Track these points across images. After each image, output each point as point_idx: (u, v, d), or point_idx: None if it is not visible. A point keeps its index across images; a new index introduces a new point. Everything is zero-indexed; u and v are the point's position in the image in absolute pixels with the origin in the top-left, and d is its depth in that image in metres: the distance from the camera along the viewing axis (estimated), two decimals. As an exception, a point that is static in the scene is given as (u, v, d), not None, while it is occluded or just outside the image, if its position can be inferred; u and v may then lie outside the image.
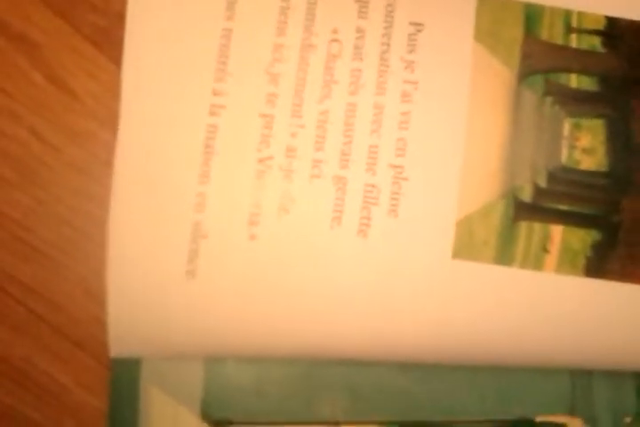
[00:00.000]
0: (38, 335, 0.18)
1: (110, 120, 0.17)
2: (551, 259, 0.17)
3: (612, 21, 0.18)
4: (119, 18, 0.17)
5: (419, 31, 0.17)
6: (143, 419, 0.19)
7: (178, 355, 0.18)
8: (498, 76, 0.17)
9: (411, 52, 0.17)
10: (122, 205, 0.16)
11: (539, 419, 0.21)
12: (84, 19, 0.17)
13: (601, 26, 0.18)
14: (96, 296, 0.18)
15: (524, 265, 0.17)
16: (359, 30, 0.17)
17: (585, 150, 0.17)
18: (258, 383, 0.19)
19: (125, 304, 0.17)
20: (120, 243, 0.17)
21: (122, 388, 0.19)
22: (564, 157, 0.17)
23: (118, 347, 0.17)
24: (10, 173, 0.17)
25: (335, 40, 0.17)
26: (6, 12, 0.17)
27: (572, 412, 0.21)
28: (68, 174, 0.17)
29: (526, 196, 0.17)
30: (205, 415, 0.19)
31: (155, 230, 0.17)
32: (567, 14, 0.18)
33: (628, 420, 0.21)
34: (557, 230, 0.17)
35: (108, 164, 0.17)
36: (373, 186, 0.17)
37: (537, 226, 0.17)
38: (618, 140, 0.17)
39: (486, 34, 0.17)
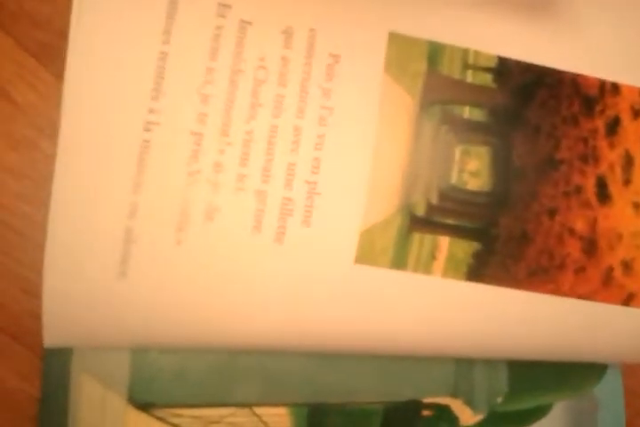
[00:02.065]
0: None
1: (50, 130, 0.18)
2: (438, 265, 0.20)
3: (502, 60, 0.20)
4: (60, 34, 0.18)
5: (336, 62, 0.19)
6: (73, 404, 0.20)
7: (107, 345, 0.19)
8: (403, 105, 0.19)
9: (328, 80, 0.19)
10: (61, 210, 0.17)
11: (426, 400, 0.23)
12: (26, 34, 0.18)
13: (493, 64, 0.20)
14: (32, 293, 0.19)
15: (415, 270, 0.19)
16: (284, 59, 0.19)
17: (472, 173, 0.20)
18: (180, 371, 0.21)
19: (60, 300, 0.18)
20: (57, 244, 0.18)
21: (54, 376, 0.20)
22: (453, 178, 0.20)
23: (52, 338, 0.18)
24: (-50, 175, 0.18)
25: (262, 67, 0.18)
26: None
27: (454, 394, 0.24)
28: (8, 179, 0.18)
29: (420, 211, 0.19)
30: (131, 399, 0.21)
31: (90, 234, 0.18)
32: (465, 52, 0.20)
33: (499, 400, 0.24)
34: (445, 241, 0.20)
35: (47, 170, 0.18)
36: (290, 199, 0.19)
37: (428, 237, 0.20)
38: (500, 164, 0.20)
39: (394, 67, 0.19)
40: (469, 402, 0.24)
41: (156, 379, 0.21)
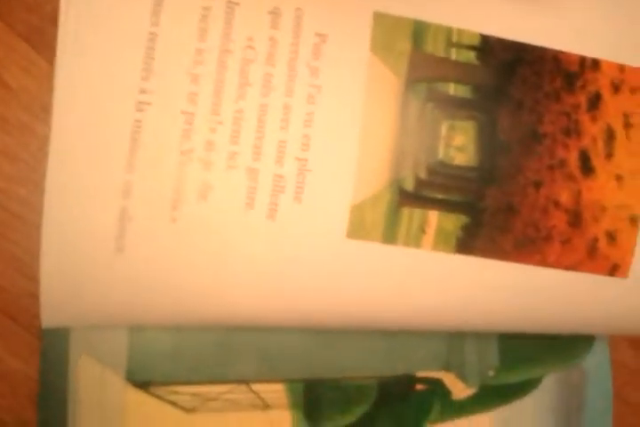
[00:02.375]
0: None
1: (44, 114, 0.18)
2: (428, 238, 0.20)
3: (485, 38, 0.20)
4: (51, 18, 0.18)
5: (323, 42, 0.19)
6: (72, 383, 0.20)
7: (104, 324, 0.20)
8: (388, 84, 0.20)
9: (315, 59, 0.19)
10: (55, 191, 0.18)
11: (419, 375, 0.24)
12: (17, 18, 0.18)
13: (476, 42, 0.20)
14: (28, 274, 0.19)
15: (406, 244, 0.20)
16: (271, 39, 0.19)
17: (458, 148, 0.20)
18: (177, 349, 0.21)
19: (57, 279, 0.18)
20: (53, 224, 0.18)
21: (52, 355, 0.20)
22: (441, 153, 0.20)
23: (49, 318, 0.18)
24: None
25: (250, 47, 0.19)
26: None
27: (447, 368, 0.24)
28: (2, 163, 0.18)
29: (409, 186, 0.20)
30: (130, 378, 0.21)
31: (86, 213, 0.18)
32: (448, 31, 0.20)
33: (491, 373, 0.25)
34: (434, 215, 0.20)
35: (42, 153, 0.18)
36: (281, 176, 0.19)
37: (417, 211, 0.20)
38: (485, 139, 0.20)
39: (380, 46, 0.20)
40: (461, 376, 0.24)
41: (153, 357, 0.21)
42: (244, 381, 0.22)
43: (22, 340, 0.20)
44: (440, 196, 0.20)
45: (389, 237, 0.20)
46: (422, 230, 0.20)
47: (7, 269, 0.19)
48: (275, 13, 0.19)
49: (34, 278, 0.19)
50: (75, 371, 0.21)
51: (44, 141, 0.18)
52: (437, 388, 0.24)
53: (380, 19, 0.20)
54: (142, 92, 0.18)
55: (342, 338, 0.23)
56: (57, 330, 0.20)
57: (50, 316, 0.19)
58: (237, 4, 0.19)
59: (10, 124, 0.18)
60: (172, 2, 0.18)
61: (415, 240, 0.20)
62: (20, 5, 0.18)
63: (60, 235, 0.18)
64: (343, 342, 0.23)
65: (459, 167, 0.20)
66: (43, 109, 0.18)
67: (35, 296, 0.19)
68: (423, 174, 0.20)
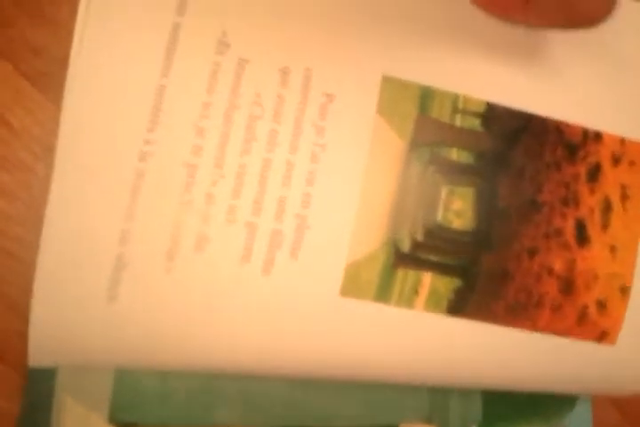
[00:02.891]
0: None
1: (45, 154, 0.18)
2: (420, 300, 0.20)
3: (491, 106, 0.21)
4: (58, 61, 0.18)
5: (330, 101, 0.19)
6: (56, 422, 0.20)
7: (92, 365, 0.20)
8: (393, 145, 0.20)
9: (322, 119, 0.19)
10: (53, 233, 0.18)
11: (402, 426, 0.24)
12: (23, 59, 0.18)
13: (482, 109, 0.21)
14: (19, 312, 0.19)
15: (398, 304, 0.20)
16: (279, 96, 0.19)
17: (456, 213, 0.20)
18: (162, 392, 0.21)
19: (48, 321, 0.18)
20: (48, 266, 0.18)
21: (37, 394, 0.20)
22: (439, 216, 0.20)
23: (37, 358, 0.18)
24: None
25: (257, 103, 0.19)
26: None
27: (429, 420, 0.24)
28: (0, 201, 0.18)
29: (405, 247, 0.20)
30: (113, 419, 0.21)
31: (82, 257, 0.18)
32: (455, 97, 0.20)
33: None
34: (427, 277, 0.20)
35: (41, 193, 0.18)
36: (279, 232, 0.19)
37: (411, 272, 0.20)
38: (484, 205, 0.20)
39: (387, 108, 0.20)
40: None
41: (138, 400, 0.21)
42: (229, 426, 0.22)
43: (7, 378, 0.19)
44: (435, 258, 0.20)
45: (382, 296, 0.20)
46: (415, 291, 0.20)
47: None
48: (284, 72, 0.19)
49: (24, 317, 0.19)
50: (59, 411, 0.20)
51: (44, 182, 0.18)
52: (419, 441, 0.24)
53: (388, 82, 0.20)
54: (147, 142, 0.18)
55: (328, 388, 0.23)
56: (43, 369, 0.20)
57: (38, 356, 0.18)
58: (248, 61, 0.19)
59: (10, 164, 0.18)
60: (184, 55, 0.18)
61: (408, 301, 0.20)
62: (26, 47, 0.18)
63: (54, 276, 0.18)
64: (329, 391, 0.23)
65: (456, 231, 0.20)
66: (44, 151, 0.18)
67: (23, 335, 0.19)
68: (420, 236, 0.20)
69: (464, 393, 0.25)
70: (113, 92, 0.18)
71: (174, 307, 0.18)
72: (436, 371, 0.21)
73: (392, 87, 0.20)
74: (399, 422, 0.24)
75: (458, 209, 0.20)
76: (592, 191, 0.21)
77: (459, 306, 0.20)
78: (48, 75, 0.18)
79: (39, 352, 0.18)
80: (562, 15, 0.17)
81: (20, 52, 0.18)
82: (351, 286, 0.19)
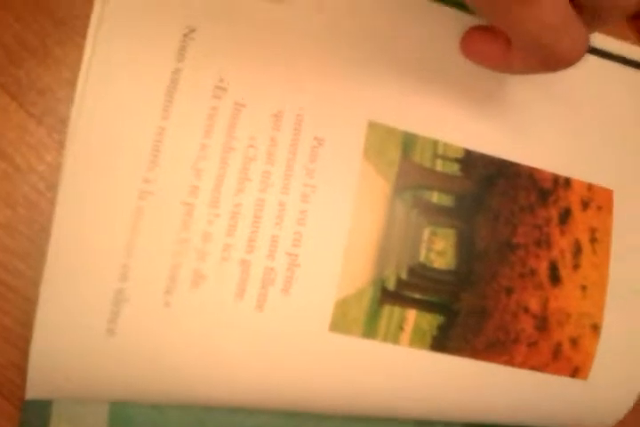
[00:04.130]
0: None
1: (49, 191, 0.19)
2: (405, 336, 0.21)
3: (468, 153, 0.22)
4: (63, 101, 0.19)
5: (320, 145, 0.20)
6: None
7: (88, 398, 0.19)
8: (378, 189, 0.21)
9: (312, 161, 0.20)
10: (55, 269, 0.18)
11: None
12: (30, 99, 0.19)
13: (460, 155, 0.22)
14: (15, 344, 0.19)
15: (385, 339, 0.20)
16: (272, 139, 0.20)
17: (438, 252, 0.21)
18: (156, 424, 0.21)
19: (47, 354, 0.18)
20: (49, 302, 0.18)
21: (32, 425, 0.19)
22: (422, 256, 0.21)
23: (34, 390, 0.18)
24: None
25: (252, 146, 0.20)
26: None
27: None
28: (3, 236, 0.18)
29: (391, 285, 0.20)
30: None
31: (83, 291, 0.18)
32: (435, 143, 0.21)
33: None
34: (412, 313, 0.21)
35: (44, 229, 0.18)
36: (272, 269, 0.19)
37: (397, 309, 0.21)
38: (464, 246, 0.21)
39: (372, 153, 0.21)
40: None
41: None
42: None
43: (2, 410, 0.19)
44: (419, 296, 0.21)
45: (370, 332, 0.20)
46: (400, 328, 0.20)
47: None
48: (277, 116, 0.20)
49: (22, 349, 0.18)
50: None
51: (47, 218, 0.18)
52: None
53: (373, 127, 0.21)
54: (146, 181, 0.18)
55: (316, 420, 0.23)
56: (39, 401, 0.19)
57: (35, 388, 0.18)
58: (244, 105, 0.20)
59: (14, 200, 0.18)
60: (183, 98, 0.19)
61: (393, 337, 0.20)
62: (32, 87, 0.19)
63: (55, 311, 0.18)
64: (313, 424, 0.23)
65: (438, 271, 0.21)
66: (48, 187, 0.19)
67: (20, 368, 0.18)
68: (404, 275, 0.21)
69: (448, 425, 0.25)
70: (115, 132, 0.18)
71: (171, 341, 0.19)
72: (420, 404, 0.21)
73: (377, 132, 0.21)
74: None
75: (439, 249, 0.21)
76: (563, 233, 0.22)
77: (441, 342, 0.21)
78: (52, 114, 0.19)
79: (37, 385, 0.18)
80: (541, 59, 0.18)
81: (26, 91, 0.19)
82: (340, 322, 0.20)
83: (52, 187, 0.19)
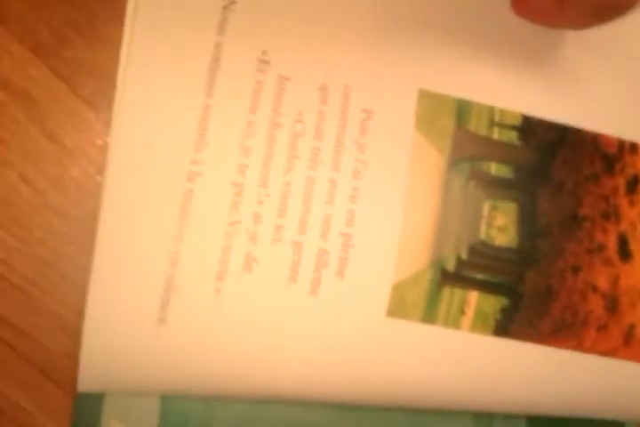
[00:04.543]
0: (8, 364, 0.22)
1: (97, 173, 0.22)
2: (467, 320, 0.24)
3: (526, 119, 0.25)
4: (112, 82, 0.22)
5: (369, 118, 0.23)
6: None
7: (140, 392, 0.23)
8: (432, 161, 0.24)
9: (362, 135, 0.23)
10: (105, 256, 0.21)
11: None
12: (80, 81, 0.22)
13: (517, 122, 0.25)
14: (69, 333, 0.22)
15: (445, 324, 0.24)
16: (320, 114, 0.23)
17: (500, 229, 0.24)
18: (207, 418, 0.24)
19: (98, 344, 0.21)
20: (100, 288, 0.21)
21: (85, 420, 0.23)
22: (482, 233, 0.24)
23: (86, 382, 0.22)
24: (-4, 213, 0.21)
25: (299, 121, 0.23)
26: (11, 71, 0.22)
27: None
28: (53, 219, 0.22)
29: (450, 266, 0.24)
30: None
31: (132, 280, 0.21)
32: (491, 110, 0.25)
33: None
34: (474, 296, 0.24)
35: (94, 214, 0.22)
36: (325, 251, 0.23)
37: (457, 292, 0.24)
38: (526, 221, 0.25)
39: (424, 123, 0.24)
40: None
41: (184, 426, 0.24)
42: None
43: (55, 398, 0.22)
44: (480, 276, 0.24)
45: (429, 316, 0.23)
46: (462, 311, 0.24)
47: (49, 326, 0.22)
48: (324, 89, 0.23)
49: (75, 338, 0.22)
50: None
51: (95, 201, 0.22)
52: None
53: (424, 96, 0.24)
54: (195, 162, 0.22)
55: (370, 414, 0.26)
56: (91, 394, 0.23)
57: (87, 380, 0.22)
58: (288, 79, 0.23)
59: (64, 183, 0.22)
60: (226, 74, 0.22)
61: (454, 321, 0.24)
62: (81, 69, 0.22)
63: (106, 299, 0.21)
64: (371, 417, 0.26)
65: (499, 248, 0.24)
66: (96, 170, 0.22)
67: (74, 358, 0.22)
68: (464, 254, 0.24)
69: (508, 419, 0.28)
70: (160, 113, 0.22)
71: (223, 328, 0.22)
72: (481, 395, 0.25)
73: (429, 101, 0.24)
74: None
75: (500, 225, 0.24)
76: (632, 204, 0.26)
77: (505, 326, 0.24)
78: (102, 95, 0.22)
79: (89, 376, 0.22)
80: (593, 11, 0.21)
81: (75, 72, 0.22)
82: (398, 307, 0.23)
83: (101, 169, 0.22)
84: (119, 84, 0.22)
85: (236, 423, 0.24)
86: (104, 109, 0.22)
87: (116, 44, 0.22)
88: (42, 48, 0.22)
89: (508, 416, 0.27)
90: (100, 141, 0.22)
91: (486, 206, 0.24)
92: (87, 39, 0.22)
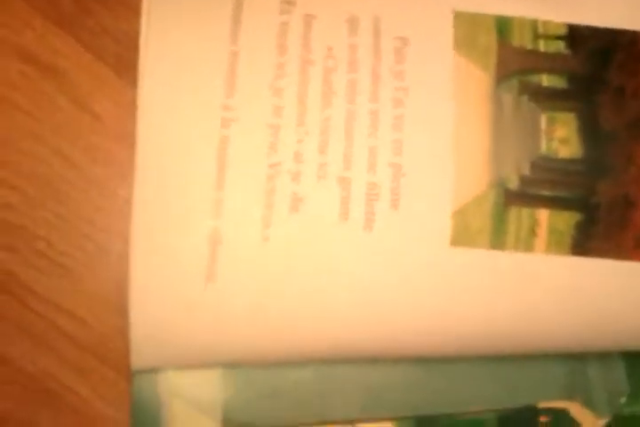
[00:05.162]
0: (58, 348, 0.21)
1: (129, 139, 0.21)
2: (540, 241, 0.21)
3: (572, 27, 0.23)
4: (138, 49, 0.21)
5: (405, 45, 0.22)
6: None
7: (196, 363, 0.21)
8: (477, 80, 0.22)
9: (399, 63, 0.22)
10: (143, 218, 0.20)
11: (541, 405, 0.24)
12: (106, 49, 0.22)
13: (563, 31, 0.23)
14: (115, 308, 0.21)
15: (516, 248, 0.21)
16: (351, 46, 0.21)
17: (561, 141, 0.22)
18: (275, 388, 0.23)
19: (147, 314, 0.20)
20: (141, 254, 0.20)
21: (143, 400, 0.22)
22: (543, 147, 0.22)
23: (139, 358, 0.20)
24: (33, 191, 0.21)
25: (330, 56, 0.21)
26: (36, 45, 0.21)
27: (571, 396, 0.25)
28: (90, 191, 0.21)
29: (513, 184, 0.22)
30: (227, 422, 0.22)
31: (174, 239, 0.20)
32: (533, 23, 0.23)
33: (623, 400, 0.25)
34: (544, 214, 0.22)
35: (127, 180, 0.21)
36: (375, 184, 0.21)
37: (525, 212, 0.22)
38: (588, 130, 0.22)
39: (464, 44, 0.22)
40: (589, 404, 0.25)
41: (250, 399, 0.23)
42: (349, 420, 0.23)
43: (111, 382, 0.21)
44: (548, 193, 0.22)
45: (497, 242, 0.21)
46: (533, 232, 0.21)
47: (94, 304, 0.21)
48: (352, 22, 0.22)
49: (121, 314, 0.21)
50: (168, 416, 0.22)
51: (129, 168, 0.21)
52: (564, 420, 0.25)
53: (460, 17, 0.22)
54: (226, 108, 0.21)
55: (454, 367, 0.24)
56: (147, 372, 0.22)
57: (140, 355, 0.20)
58: (314, 16, 0.21)
59: (99, 153, 0.21)
60: (250, 20, 0.21)
61: (526, 244, 0.21)
62: (108, 37, 0.22)
63: (149, 263, 0.20)
64: (455, 371, 0.24)
65: (564, 161, 0.22)
66: (129, 135, 0.21)
67: (123, 334, 0.21)
68: (527, 171, 0.22)
69: (603, 360, 0.25)
70: (186, 63, 0.21)
71: (276, 279, 0.20)
72: (569, 326, 0.22)
73: (466, 21, 0.22)
74: (538, 400, 0.24)
75: (562, 137, 0.22)
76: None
77: (583, 243, 0.22)
78: (127, 60, 0.21)
79: (141, 351, 0.20)
80: None
81: (99, 40, 0.22)
82: (462, 235, 0.21)
83: (131, 134, 0.21)
84: (142, 41, 0.21)
85: (308, 391, 0.22)
86: (130, 74, 0.21)
87: (137, 10, 0.22)
88: (64, 20, 0.22)
89: (601, 356, 0.25)
90: (129, 107, 0.21)
91: (543, 119, 0.22)
92: (108, 6, 0.22)
